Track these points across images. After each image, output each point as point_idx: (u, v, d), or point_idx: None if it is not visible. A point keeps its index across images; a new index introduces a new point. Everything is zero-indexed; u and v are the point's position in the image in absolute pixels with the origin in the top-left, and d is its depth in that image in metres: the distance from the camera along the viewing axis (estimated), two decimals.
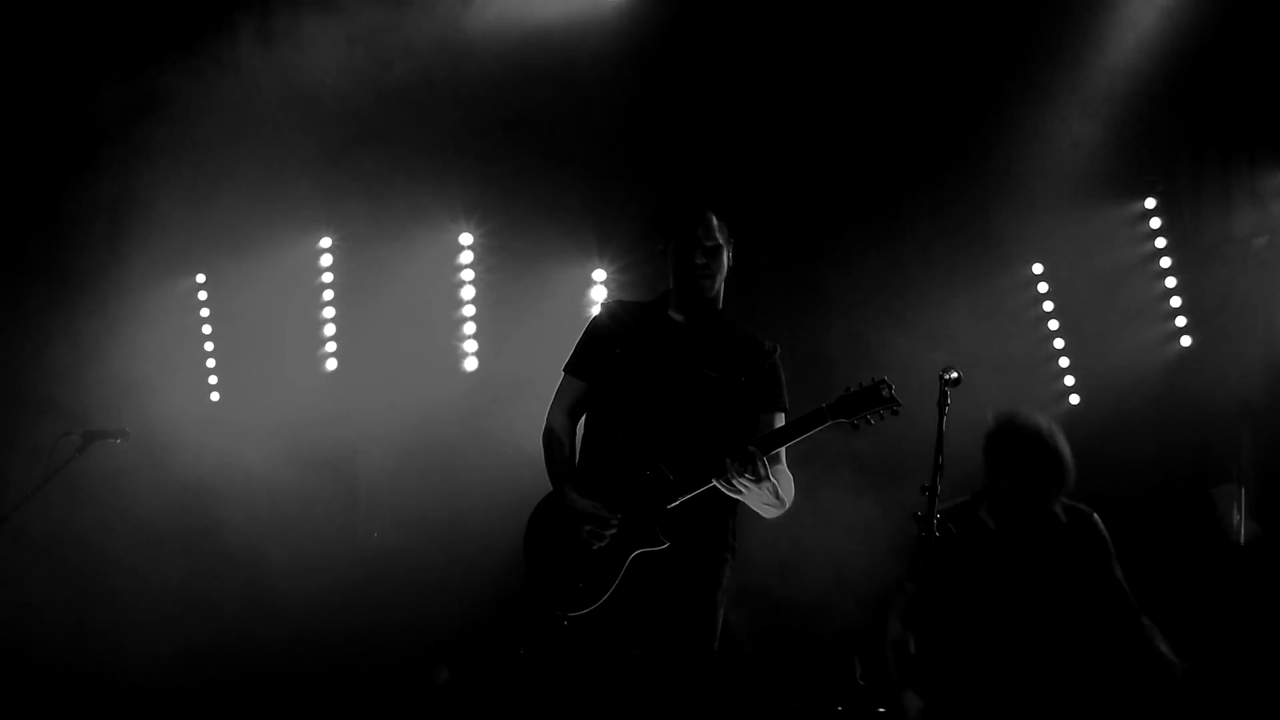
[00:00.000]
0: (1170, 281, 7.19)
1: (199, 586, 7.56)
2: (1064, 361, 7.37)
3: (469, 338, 7.94)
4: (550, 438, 5.10)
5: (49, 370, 7.78)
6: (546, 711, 5.33)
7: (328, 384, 8.08)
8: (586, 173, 7.77)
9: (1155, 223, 7.24)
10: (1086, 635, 5.24)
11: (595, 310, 5.38)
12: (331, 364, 8.13)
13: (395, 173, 7.71)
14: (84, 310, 7.88)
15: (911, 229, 7.45)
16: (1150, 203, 7.25)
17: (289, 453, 7.62)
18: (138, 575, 7.52)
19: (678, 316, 5.09)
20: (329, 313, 8.16)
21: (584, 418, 5.15)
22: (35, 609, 7.36)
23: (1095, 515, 5.42)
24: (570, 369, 5.17)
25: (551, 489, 5.02)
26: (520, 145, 7.81)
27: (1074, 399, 7.32)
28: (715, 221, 5.02)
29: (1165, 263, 7.21)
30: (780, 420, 5.00)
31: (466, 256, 7.98)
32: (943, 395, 4.78)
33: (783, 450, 4.89)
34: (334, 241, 8.16)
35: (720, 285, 5.07)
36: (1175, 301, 7.17)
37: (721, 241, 5.03)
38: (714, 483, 4.77)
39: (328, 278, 8.18)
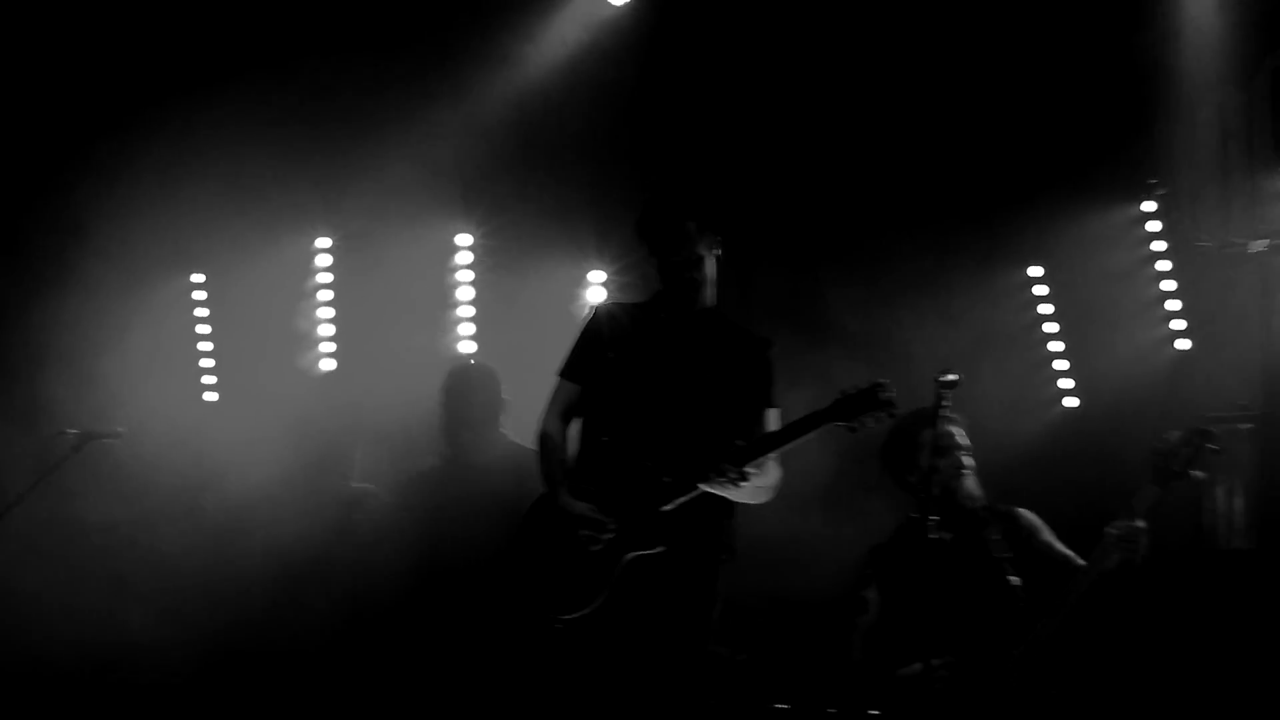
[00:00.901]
0: (1169, 284, 7.18)
1: (192, 586, 7.53)
2: (1062, 364, 7.36)
3: (467, 338, 7.94)
4: (544, 441, 5.10)
5: (44, 369, 7.77)
6: (542, 714, 5.33)
7: (324, 384, 8.06)
8: (586, 173, 7.76)
9: (1154, 226, 7.23)
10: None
11: (588, 312, 5.36)
12: (329, 364, 8.12)
13: (393, 173, 7.69)
14: (80, 309, 7.86)
15: (909, 231, 7.43)
16: (1149, 206, 7.23)
17: (285, 453, 7.59)
18: (132, 575, 7.50)
19: (670, 315, 5.09)
20: (326, 313, 8.15)
21: (578, 420, 5.15)
22: (28, 608, 7.34)
23: (1021, 510, 5.40)
24: (564, 373, 5.16)
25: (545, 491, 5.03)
26: (520, 145, 7.80)
27: (1072, 401, 7.31)
28: (694, 231, 4.98)
29: (1164, 266, 7.20)
30: (771, 417, 4.99)
31: (465, 257, 7.97)
32: (940, 397, 4.78)
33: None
34: (332, 241, 8.15)
35: (708, 291, 5.06)
36: (1174, 305, 7.15)
37: (703, 252, 5.00)
38: (703, 488, 4.77)
39: (325, 277, 8.17)
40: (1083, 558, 5.15)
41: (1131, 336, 7.17)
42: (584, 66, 7.69)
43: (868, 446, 5.56)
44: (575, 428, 5.16)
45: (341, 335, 8.13)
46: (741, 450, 4.76)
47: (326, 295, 8.15)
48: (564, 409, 5.14)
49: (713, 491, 4.78)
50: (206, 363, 8.27)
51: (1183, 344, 7.12)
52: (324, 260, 8.16)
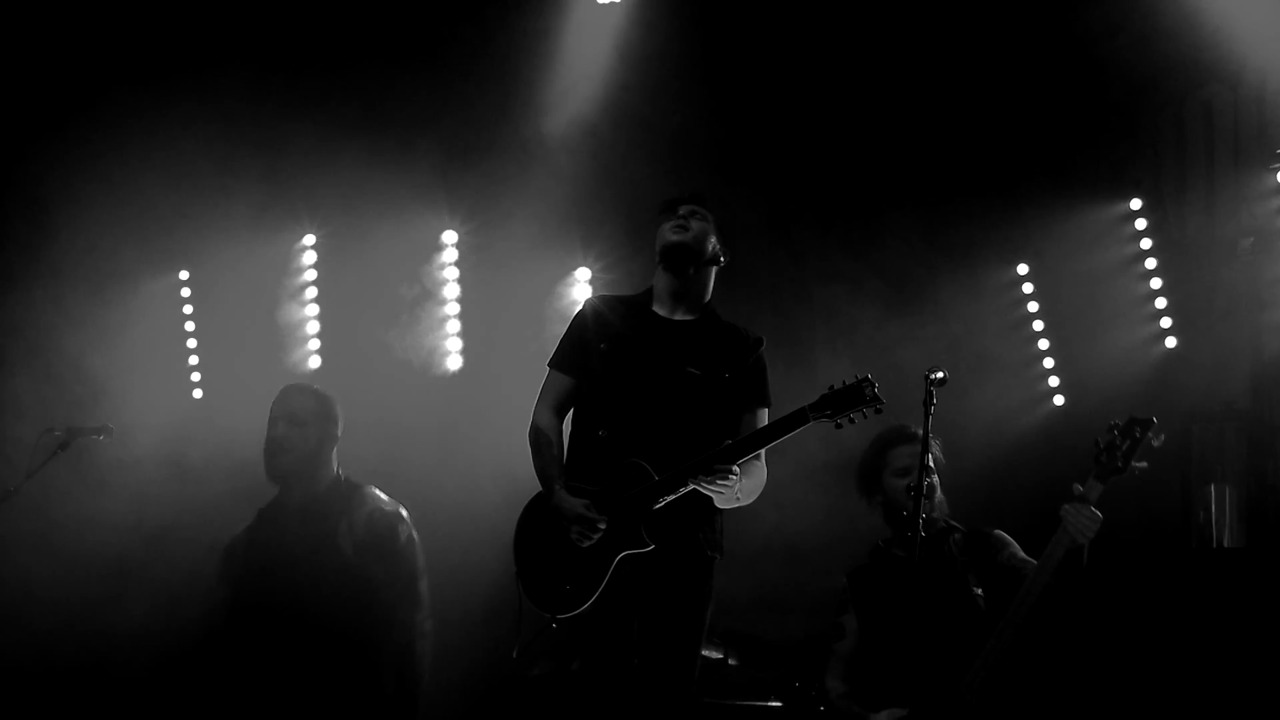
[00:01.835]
0: (1156, 282, 7.18)
1: (181, 583, 7.50)
2: (1049, 362, 7.36)
3: (453, 335, 7.92)
4: (537, 437, 5.07)
5: (31, 367, 7.74)
6: (540, 713, 5.33)
7: (310, 381, 8.02)
8: (572, 171, 7.75)
9: (1141, 223, 7.23)
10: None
11: (579, 305, 5.36)
12: (314, 361, 8.10)
13: (378, 171, 7.67)
14: (66, 306, 7.84)
15: (896, 228, 7.43)
16: (1136, 203, 7.24)
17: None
18: (119, 572, 7.48)
19: (661, 310, 5.08)
20: (312, 310, 8.13)
21: (570, 414, 5.14)
22: (16, 606, 7.31)
23: (996, 530, 5.34)
24: (555, 364, 5.15)
25: (540, 489, 5.02)
26: (505, 143, 7.79)
27: (1059, 400, 7.31)
28: (706, 215, 5.07)
29: (1151, 263, 7.20)
30: (763, 416, 5.00)
31: (451, 254, 7.96)
32: (929, 395, 4.77)
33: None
34: (317, 239, 8.13)
35: (699, 248, 5.05)
36: (1161, 302, 7.15)
37: (702, 211, 5.03)
38: (691, 485, 4.76)
39: (311, 275, 8.15)
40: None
41: (1119, 334, 7.17)
42: (572, 63, 7.68)
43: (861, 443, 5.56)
44: (568, 422, 5.17)
45: (325, 333, 8.11)
46: (730, 449, 4.76)
47: (312, 292, 8.13)
48: (556, 401, 5.12)
49: (702, 492, 4.77)
50: (193, 360, 8.24)
51: (1170, 342, 7.12)
52: (309, 258, 8.14)
